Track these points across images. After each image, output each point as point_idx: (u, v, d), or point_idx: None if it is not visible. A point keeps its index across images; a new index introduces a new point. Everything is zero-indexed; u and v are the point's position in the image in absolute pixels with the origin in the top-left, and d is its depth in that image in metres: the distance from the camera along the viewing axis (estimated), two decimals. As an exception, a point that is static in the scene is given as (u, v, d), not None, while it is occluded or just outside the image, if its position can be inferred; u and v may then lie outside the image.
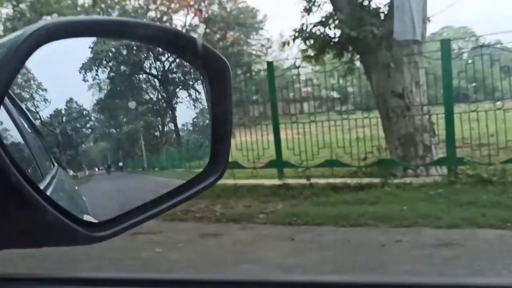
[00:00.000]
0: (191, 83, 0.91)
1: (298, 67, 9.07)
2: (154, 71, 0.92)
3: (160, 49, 0.86)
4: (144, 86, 0.96)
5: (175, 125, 0.95)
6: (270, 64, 8.89)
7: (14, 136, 0.67)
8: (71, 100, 0.77)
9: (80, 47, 0.72)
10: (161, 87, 0.95)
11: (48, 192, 0.62)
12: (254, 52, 39.23)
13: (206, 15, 36.00)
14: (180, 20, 36.70)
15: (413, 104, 7.61)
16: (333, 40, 8.22)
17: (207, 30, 34.62)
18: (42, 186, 0.63)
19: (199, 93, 0.86)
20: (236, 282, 0.95)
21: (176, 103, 0.94)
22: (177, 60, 0.86)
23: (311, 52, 8.71)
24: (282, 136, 8.47)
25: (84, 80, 0.77)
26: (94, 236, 0.59)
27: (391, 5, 7.55)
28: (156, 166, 1.00)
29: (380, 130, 8.02)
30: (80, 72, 0.77)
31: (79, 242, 0.58)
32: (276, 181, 7.97)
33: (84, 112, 0.80)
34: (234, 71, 12.56)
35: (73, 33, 0.61)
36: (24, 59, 0.54)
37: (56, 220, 0.54)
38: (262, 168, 8.53)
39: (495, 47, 8.27)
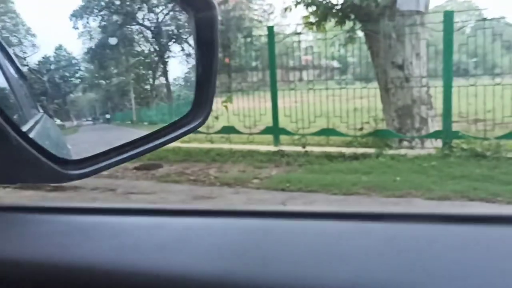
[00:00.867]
0: (184, 37, 0.89)
1: (299, 34, 8.94)
2: (147, 23, 0.90)
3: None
4: (136, 37, 0.95)
5: (167, 79, 0.95)
6: (270, 29, 8.72)
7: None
8: (60, 47, 0.76)
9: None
10: (154, 40, 0.94)
11: (30, 135, 0.61)
12: (255, 18, 38.63)
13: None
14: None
15: (412, 76, 7.56)
16: (335, 7, 8.10)
17: (209, -7, 33.97)
18: (24, 129, 0.63)
19: (193, 48, 0.84)
20: (228, 212, 0.95)
21: (169, 57, 0.94)
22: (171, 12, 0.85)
23: (312, 19, 8.58)
24: (280, 103, 8.41)
25: (74, 27, 0.75)
26: (71, 174, 0.58)
27: (396, -26, 7.41)
28: (145, 120, 0.99)
29: (378, 101, 7.98)
30: (70, 20, 0.75)
31: (55, 180, 0.57)
32: (271, 148, 7.99)
33: (73, 61, 0.79)
34: (234, 36, 12.41)
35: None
36: None
37: (32, 157, 0.54)
38: (258, 134, 8.53)
39: (499, 21, 8.15)
